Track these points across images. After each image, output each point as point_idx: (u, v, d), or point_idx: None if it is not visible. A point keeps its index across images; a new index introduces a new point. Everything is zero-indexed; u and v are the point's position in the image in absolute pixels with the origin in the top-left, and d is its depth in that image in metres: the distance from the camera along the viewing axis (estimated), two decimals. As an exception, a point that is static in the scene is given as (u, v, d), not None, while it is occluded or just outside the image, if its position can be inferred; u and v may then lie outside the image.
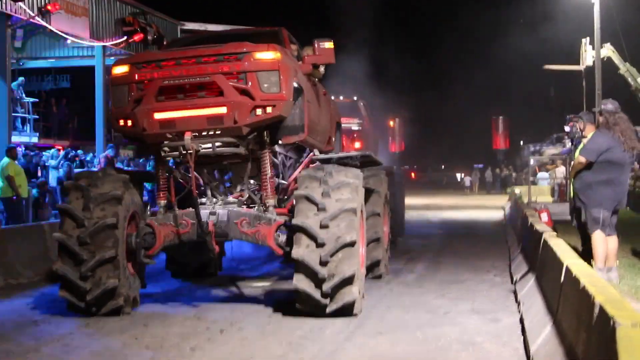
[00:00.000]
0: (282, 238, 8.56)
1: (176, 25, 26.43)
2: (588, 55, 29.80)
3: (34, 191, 16.52)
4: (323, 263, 7.84)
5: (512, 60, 57.25)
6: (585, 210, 9.13)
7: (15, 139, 20.98)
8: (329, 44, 9.30)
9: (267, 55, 8.33)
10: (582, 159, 9.08)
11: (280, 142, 8.93)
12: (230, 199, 9.19)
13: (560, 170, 30.11)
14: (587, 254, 9.16)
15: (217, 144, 8.43)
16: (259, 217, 8.69)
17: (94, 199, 8.40)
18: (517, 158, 54.23)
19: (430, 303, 9.06)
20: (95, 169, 14.87)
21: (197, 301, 9.38)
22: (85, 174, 9.18)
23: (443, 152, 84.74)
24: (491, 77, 68.91)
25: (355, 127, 32.13)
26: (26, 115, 23.60)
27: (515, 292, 9.33)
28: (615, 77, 31.80)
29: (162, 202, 9.10)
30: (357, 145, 30.48)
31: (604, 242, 8.92)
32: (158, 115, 8.30)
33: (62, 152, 19.72)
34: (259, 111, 8.20)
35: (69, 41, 21.48)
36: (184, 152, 8.28)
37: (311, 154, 10.15)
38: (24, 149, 18.33)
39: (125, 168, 18.54)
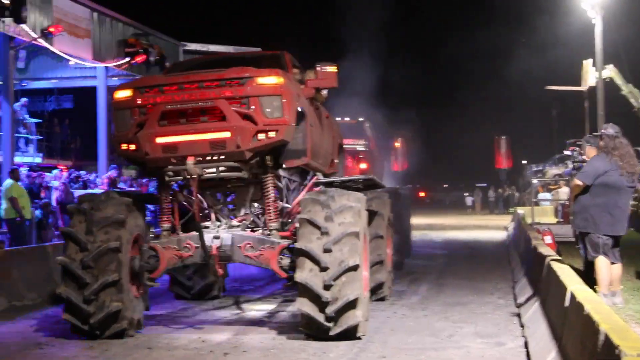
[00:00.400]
0: (286, 261, 8.55)
1: (178, 46, 26.53)
2: (591, 76, 29.78)
3: (37, 212, 16.53)
4: (326, 287, 7.84)
5: (515, 80, 57.46)
6: (584, 235, 9.08)
7: (19, 159, 21.04)
8: (331, 68, 9.27)
9: (269, 80, 8.33)
10: (579, 182, 9.08)
11: (283, 166, 8.93)
12: (234, 222, 9.19)
13: (564, 191, 30.02)
14: (590, 278, 9.09)
15: (221, 168, 8.45)
16: (262, 240, 8.69)
17: (96, 223, 8.40)
18: (519, 178, 54.12)
19: (433, 326, 9.04)
20: (98, 190, 14.88)
21: (201, 323, 9.37)
22: (87, 197, 9.17)
23: (445, 171, 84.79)
24: (494, 97, 69.15)
25: (360, 148, 32.02)
26: (29, 135, 23.66)
27: (519, 315, 9.30)
28: (619, 98, 31.87)
29: (166, 225, 9.10)
30: (363, 166, 30.33)
31: (607, 268, 8.85)
32: (160, 140, 8.31)
33: (64, 173, 19.72)
34: (261, 136, 8.20)
35: (71, 62, 21.59)
36: (188, 177, 8.30)
37: (314, 177, 10.16)
38: (28, 169, 18.33)
39: (128, 188, 18.60)
